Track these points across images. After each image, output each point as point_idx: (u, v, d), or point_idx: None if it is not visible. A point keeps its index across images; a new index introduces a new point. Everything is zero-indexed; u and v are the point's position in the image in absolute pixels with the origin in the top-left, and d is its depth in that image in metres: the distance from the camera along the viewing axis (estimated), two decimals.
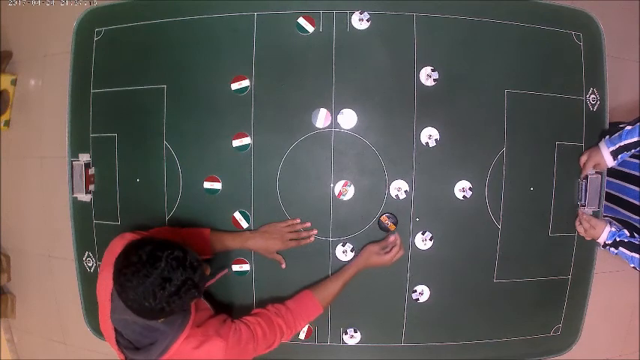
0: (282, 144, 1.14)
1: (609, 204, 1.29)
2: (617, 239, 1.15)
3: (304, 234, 1.13)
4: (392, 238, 1.11)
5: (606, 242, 1.16)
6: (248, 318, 0.99)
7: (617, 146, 1.12)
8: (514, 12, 1.16)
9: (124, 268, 0.78)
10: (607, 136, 1.15)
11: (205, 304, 1.03)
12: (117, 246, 0.90)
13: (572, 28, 1.19)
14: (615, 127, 1.15)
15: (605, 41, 1.20)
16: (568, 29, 1.19)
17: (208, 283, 0.99)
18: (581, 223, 1.17)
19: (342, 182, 1.13)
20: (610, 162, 1.14)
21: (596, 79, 1.20)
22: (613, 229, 1.15)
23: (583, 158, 1.17)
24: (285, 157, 1.14)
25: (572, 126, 1.19)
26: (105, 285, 0.90)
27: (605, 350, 1.98)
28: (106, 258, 0.95)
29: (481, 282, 1.18)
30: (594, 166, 1.16)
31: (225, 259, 1.17)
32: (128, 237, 0.94)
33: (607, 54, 1.21)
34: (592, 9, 1.20)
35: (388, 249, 1.10)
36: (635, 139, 1.09)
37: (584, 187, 1.19)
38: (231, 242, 1.11)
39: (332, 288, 1.08)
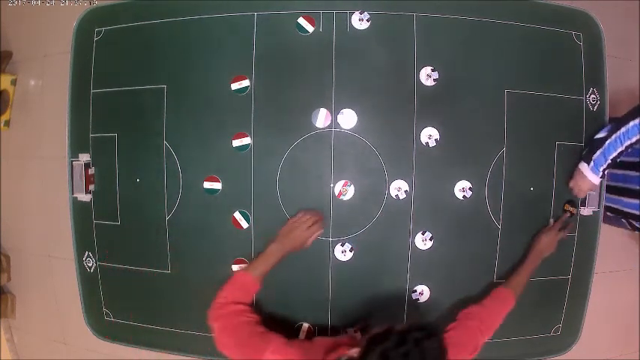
0: (282, 144, 1.14)
1: (611, 195, 1.29)
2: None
3: (312, 217, 1.10)
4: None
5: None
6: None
7: (605, 166, 1.11)
8: (514, 12, 1.16)
9: None
10: (590, 163, 1.11)
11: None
12: None
13: (572, 28, 1.19)
14: (591, 144, 1.13)
15: (605, 41, 1.20)
16: (568, 29, 1.19)
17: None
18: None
19: (342, 182, 1.13)
20: (598, 182, 1.14)
21: (596, 79, 1.20)
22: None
23: (574, 185, 1.16)
24: (285, 157, 1.14)
25: (572, 126, 1.19)
26: None
27: (605, 350, 1.98)
28: None
29: (481, 282, 1.18)
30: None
31: (224, 258, 1.17)
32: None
33: (607, 54, 1.21)
34: (592, 9, 1.21)
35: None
36: (620, 149, 1.08)
37: None
38: (269, 265, 1.05)
39: (522, 278, 1.10)
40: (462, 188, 1.14)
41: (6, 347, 2.35)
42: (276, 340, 0.88)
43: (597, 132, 1.18)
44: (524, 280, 1.11)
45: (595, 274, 1.24)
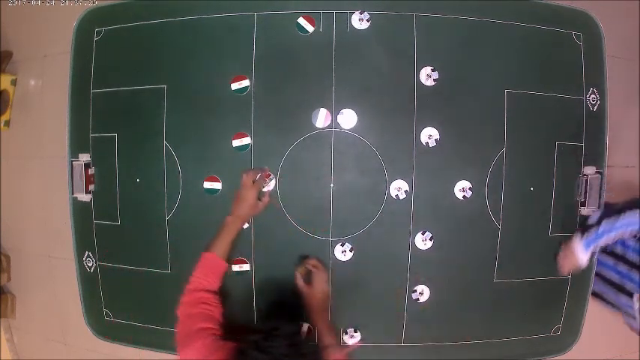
0: (282, 144, 1.14)
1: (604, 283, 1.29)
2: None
3: (252, 175, 1.09)
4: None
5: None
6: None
7: (593, 248, 1.13)
8: (514, 12, 1.16)
9: None
10: (583, 237, 1.14)
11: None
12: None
13: (572, 28, 1.19)
14: (587, 225, 1.15)
15: (605, 41, 1.20)
16: (568, 29, 1.19)
17: None
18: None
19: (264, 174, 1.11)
20: (585, 263, 1.15)
21: (596, 79, 1.20)
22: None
23: (561, 260, 1.17)
24: (285, 157, 1.14)
25: (572, 126, 1.19)
26: None
27: (605, 350, 1.98)
28: None
29: (481, 282, 1.18)
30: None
31: None
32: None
33: (607, 54, 1.21)
34: (592, 9, 1.21)
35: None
36: (612, 236, 1.10)
37: (584, 187, 1.19)
38: (228, 238, 1.04)
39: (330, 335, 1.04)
40: (462, 188, 1.15)
41: (6, 347, 2.35)
42: (203, 340, 0.85)
43: (597, 133, 1.19)
44: (332, 335, 1.04)
45: (595, 274, 1.23)
